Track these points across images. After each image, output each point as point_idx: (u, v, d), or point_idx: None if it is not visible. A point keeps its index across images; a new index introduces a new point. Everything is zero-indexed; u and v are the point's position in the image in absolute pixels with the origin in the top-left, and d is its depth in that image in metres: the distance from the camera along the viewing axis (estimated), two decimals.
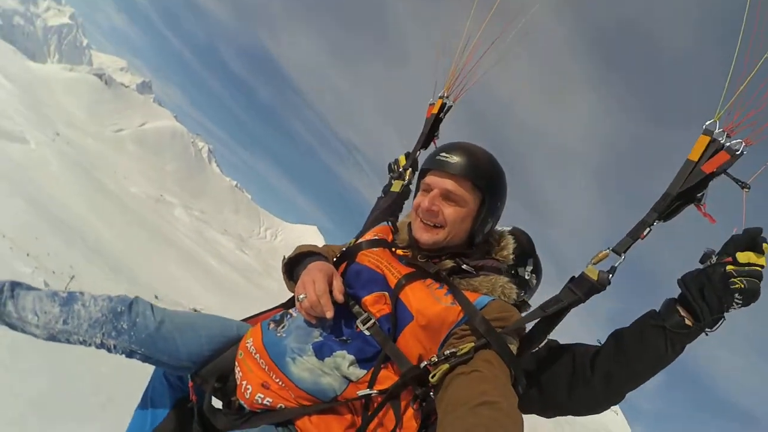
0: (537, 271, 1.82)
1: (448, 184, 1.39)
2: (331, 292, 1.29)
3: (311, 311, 1.28)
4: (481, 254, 1.50)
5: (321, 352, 1.29)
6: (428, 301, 1.30)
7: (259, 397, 1.30)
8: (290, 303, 1.59)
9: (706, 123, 1.30)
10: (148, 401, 1.66)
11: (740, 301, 1.23)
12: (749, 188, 1.26)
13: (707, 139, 1.28)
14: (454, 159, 1.39)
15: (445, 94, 1.93)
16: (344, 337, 1.31)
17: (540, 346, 1.48)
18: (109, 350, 1.44)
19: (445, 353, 1.21)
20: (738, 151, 1.25)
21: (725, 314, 1.24)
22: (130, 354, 1.45)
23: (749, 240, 1.24)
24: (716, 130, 1.28)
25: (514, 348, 1.26)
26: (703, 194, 1.30)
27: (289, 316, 1.43)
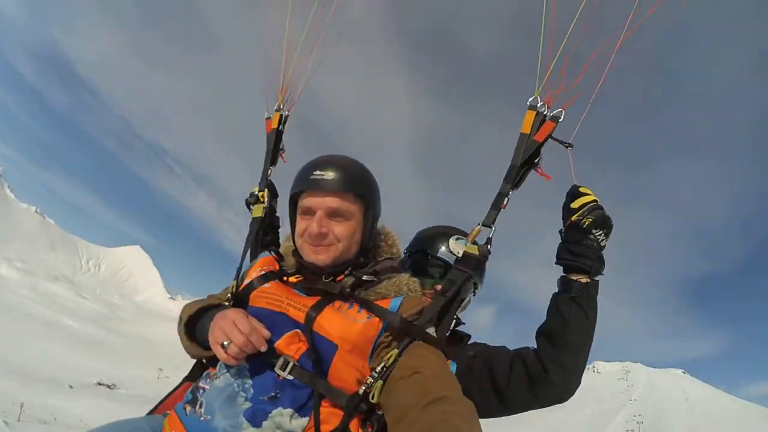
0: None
1: (331, 201, 1.36)
2: None
3: (240, 354, 1.21)
4: (374, 258, 1.53)
5: (255, 419, 1.21)
6: (346, 325, 1.28)
7: None
8: (193, 374, 1.56)
9: (529, 99, 1.49)
10: None
11: (601, 233, 1.45)
12: (572, 146, 1.48)
13: (533, 113, 1.48)
14: (331, 175, 1.35)
15: (281, 106, 1.91)
16: (272, 393, 1.24)
17: (452, 328, 1.70)
18: None
19: (377, 369, 1.21)
20: (560, 119, 1.47)
21: (602, 252, 1.47)
22: None
23: (571, 196, 1.51)
24: (539, 104, 1.48)
25: (432, 332, 1.32)
26: (539, 159, 1.50)
27: (201, 390, 1.33)
